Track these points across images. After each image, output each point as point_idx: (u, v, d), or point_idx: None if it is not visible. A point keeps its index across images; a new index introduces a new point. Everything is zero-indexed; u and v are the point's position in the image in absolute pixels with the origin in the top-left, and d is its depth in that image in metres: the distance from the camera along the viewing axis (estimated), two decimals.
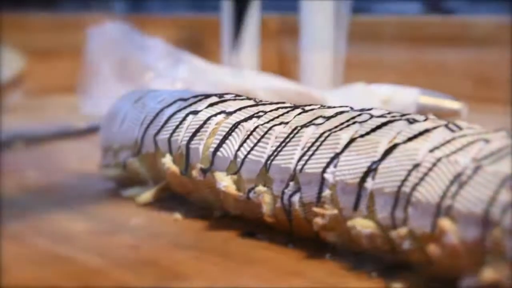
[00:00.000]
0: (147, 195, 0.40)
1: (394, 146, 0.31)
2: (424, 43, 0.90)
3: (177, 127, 0.40)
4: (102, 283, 0.29)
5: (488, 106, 0.77)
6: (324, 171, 0.33)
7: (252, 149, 0.36)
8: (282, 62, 1.02)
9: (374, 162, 0.31)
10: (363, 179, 0.31)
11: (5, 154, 0.55)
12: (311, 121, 0.35)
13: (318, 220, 0.32)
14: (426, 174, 0.29)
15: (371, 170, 0.31)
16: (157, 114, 0.41)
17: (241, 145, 0.36)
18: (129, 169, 0.42)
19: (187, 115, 0.40)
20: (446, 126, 0.32)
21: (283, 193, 0.34)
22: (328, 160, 0.33)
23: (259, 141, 0.36)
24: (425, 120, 0.33)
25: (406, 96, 0.66)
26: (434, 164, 0.29)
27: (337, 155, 0.33)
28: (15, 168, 0.50)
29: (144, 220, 0.38)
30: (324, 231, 0.32)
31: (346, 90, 0.69)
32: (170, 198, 0.41)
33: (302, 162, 0.34)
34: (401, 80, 0.78)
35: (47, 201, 0.41)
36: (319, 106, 0.37)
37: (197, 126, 0.39)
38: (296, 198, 0.34)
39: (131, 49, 0.75)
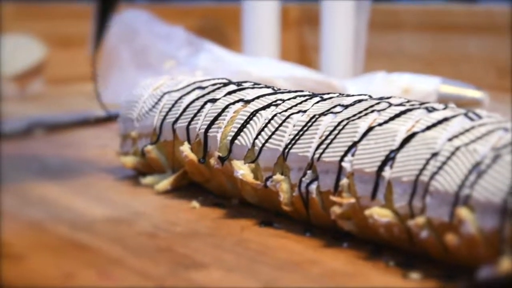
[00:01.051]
0: (165, 183, 0.40)
1: (413, 134, 0.31)
2: (447, 31, 0.89)
3: (195, 115, 0.40)
4: (119, 270, 0.30)
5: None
6: (342, 159, 0.32)
7: (270, 137, 0.36)
8: (302, 51, 1.02)
9: (392, 151, 0.31)
10: (381, 168, 0.31)
11: (26, 141, 0.55)
12: (329, 110, 0.35)
13: (336, 209, 0.32)
14: (444, 163, 0.29)
15: (389, 159, 0.31)
16: (176, 102, 0.41)
17: (259, 134, 0.36)
18: (147, 157, 0.42)
19: (205, 103, 0.40)
20: (465, 115, 0.31)
21: (300, 181, 0.34)
22: (346, 148, 0.33)
23: (277, 129, 0.36)
24: (444, 108, 0.32)
25: (427, 85, 0.66)
26: (453, 153, 0.29)
27: (355, 144, 0.32)
28: (35, 155, 0.50)
29: (161, 208, 0.38)
30: (342, 220, 0.32)
31: (366, 79, 0.68)
32: (188, 186, 0.41)
33: (320, 151, 0.33)
34: (423, 69, 0.77)
35: (66, 189, 0.41)
36: (337, 94, 0.37)
37: (215, 114, 0.39)
38: (313, 187, 0.33)
39: (151, 37, 0.75)
